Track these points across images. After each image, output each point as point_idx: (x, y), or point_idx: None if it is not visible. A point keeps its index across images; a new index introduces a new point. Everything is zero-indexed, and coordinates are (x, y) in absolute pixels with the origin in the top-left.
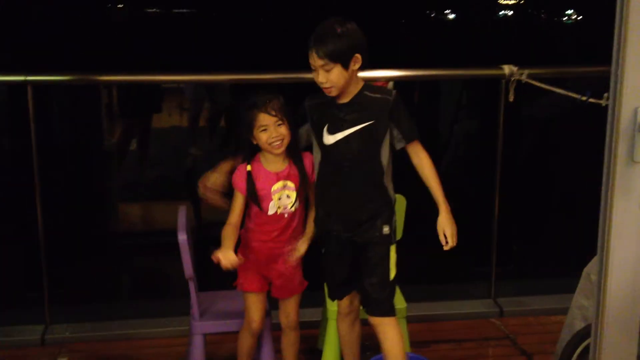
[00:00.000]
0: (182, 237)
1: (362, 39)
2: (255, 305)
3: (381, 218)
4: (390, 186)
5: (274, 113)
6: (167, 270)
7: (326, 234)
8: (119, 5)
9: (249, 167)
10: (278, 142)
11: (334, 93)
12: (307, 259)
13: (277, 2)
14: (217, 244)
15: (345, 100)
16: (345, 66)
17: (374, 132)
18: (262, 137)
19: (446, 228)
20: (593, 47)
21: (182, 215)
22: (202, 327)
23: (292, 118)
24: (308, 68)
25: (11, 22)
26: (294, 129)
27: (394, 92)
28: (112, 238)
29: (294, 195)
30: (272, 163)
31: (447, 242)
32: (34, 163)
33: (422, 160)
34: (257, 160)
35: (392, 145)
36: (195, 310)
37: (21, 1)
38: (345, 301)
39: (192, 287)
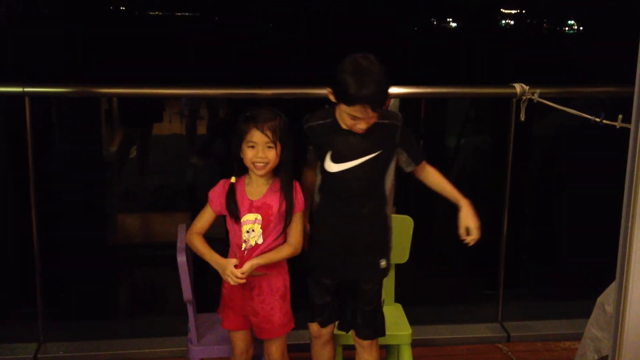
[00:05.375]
0: (182, 259)
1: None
2: (237, 342)
3: (379, 251)
4: (390, 216)
5: (267, 133)
6: (165, 286)
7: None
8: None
9: (233, 179)
10: (261, 164)
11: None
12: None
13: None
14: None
15: None
16: None
17: (381, 162)
18: (248, 154)
19: (469, 221)
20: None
21: (181, 235)
22: (200, 352)
23: (291, 142)
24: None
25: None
26: (287, 155)
27: (400, 115)
28: (110, 252)
29: (258, 229)
30: (254, 185)
31: (468, 236)
32: (30, 174)
33: (429, 173)
34: (242, 180)
35: (397, 170)
36: (193, 334)
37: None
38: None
39: (190, 310)
